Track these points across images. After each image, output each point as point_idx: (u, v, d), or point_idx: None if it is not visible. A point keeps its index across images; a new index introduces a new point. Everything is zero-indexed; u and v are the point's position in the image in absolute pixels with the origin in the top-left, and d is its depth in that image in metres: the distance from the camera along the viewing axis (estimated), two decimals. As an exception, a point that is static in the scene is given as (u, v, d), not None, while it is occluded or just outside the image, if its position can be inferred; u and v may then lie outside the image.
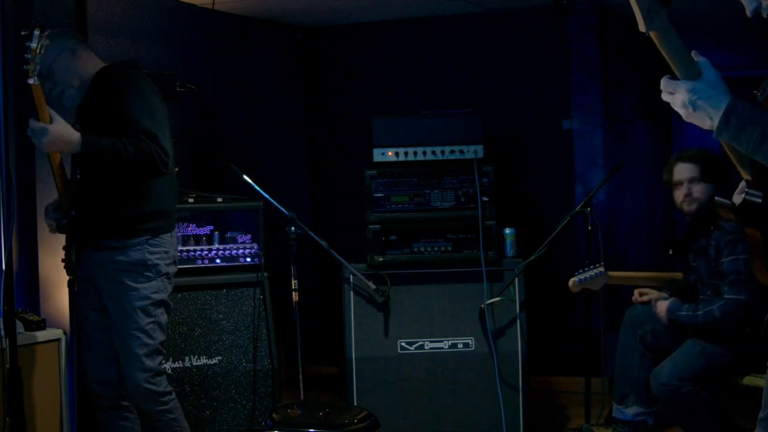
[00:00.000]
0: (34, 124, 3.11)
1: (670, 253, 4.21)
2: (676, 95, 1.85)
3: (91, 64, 3.42)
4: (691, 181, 3.94)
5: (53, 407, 3.81)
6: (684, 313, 3.88)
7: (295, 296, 4.14)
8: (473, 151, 4.51)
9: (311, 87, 6.07)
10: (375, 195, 4.48)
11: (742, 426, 3.86)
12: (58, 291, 4.16)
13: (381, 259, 4.45)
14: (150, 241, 3.36)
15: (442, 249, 4.49)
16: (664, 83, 1.86)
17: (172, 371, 3.96)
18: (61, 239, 4.09)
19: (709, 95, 1.81)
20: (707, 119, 1.84)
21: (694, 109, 1.83)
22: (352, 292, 4.44)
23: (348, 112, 5.95)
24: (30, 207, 4.12)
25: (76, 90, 3.37)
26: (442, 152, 4.53)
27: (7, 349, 3.08)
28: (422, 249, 4.49)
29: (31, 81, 3.06)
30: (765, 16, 1.99)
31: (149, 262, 3.35)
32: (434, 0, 5.29)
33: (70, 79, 3.35)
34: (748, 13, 1.97)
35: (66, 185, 3.38)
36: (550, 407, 5.15)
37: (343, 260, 4.34)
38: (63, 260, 3.56)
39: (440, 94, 5.71)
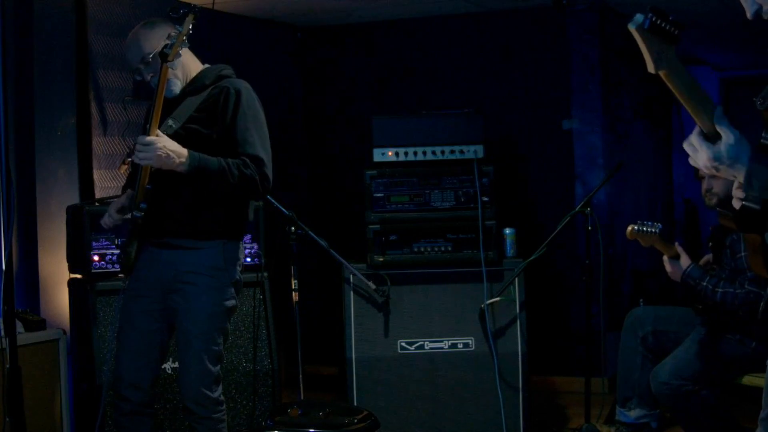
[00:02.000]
0: (142, 138, 3.04)
1: (710, 245, 4.16)
2: (699, 153, 1.86)
3: (193, 61, 3.34)
4: (712, 176, 3.95)
5: (53, 407, 3.82)
6: (705, 284, 3.78)
7: (295, 296, 4.14)
8: (473, 151, 4.51)
9: (311, 87, 6.07)
10: (375, 195, 4.48)
11: (743, 426, 3.86)
12: (58, 291, 4.17)
13: (381, 259, 4.45)
14: (226, 246, 3.27)
15: (442, 249, 4.49)
16: (693, 137, 1.86)
17: (171, 371, 3.96)
18: (61, 240, 4.10)
19: (731, 163, 1.85)
20: (731, 177, 1.90)
21: (717, 171, 1.88)
22: (352, 292, 4.44)
23: (348, 112, 5.95)
24: (30, 207, 4.12)
25: (179, 81, 3.27)
26: (442, 152, 4.52)
27: (7, 349, 3.09)
28: (422, 249, 4.49)
29: (167, 64, 3.03)
30: (766, 18, 1.99)
31: (224, 267, 3.26)
32: (434, 0, 5.29)
33: (176, 68, 3.22)
34: (749, 15, 1.97)
35: (147, 179, 3.18)
36: (550, 407, 5.15)
37: (343, 260, 4.34)
38: (120, 256, 3.36)
39: (440, 94, 5.71)
